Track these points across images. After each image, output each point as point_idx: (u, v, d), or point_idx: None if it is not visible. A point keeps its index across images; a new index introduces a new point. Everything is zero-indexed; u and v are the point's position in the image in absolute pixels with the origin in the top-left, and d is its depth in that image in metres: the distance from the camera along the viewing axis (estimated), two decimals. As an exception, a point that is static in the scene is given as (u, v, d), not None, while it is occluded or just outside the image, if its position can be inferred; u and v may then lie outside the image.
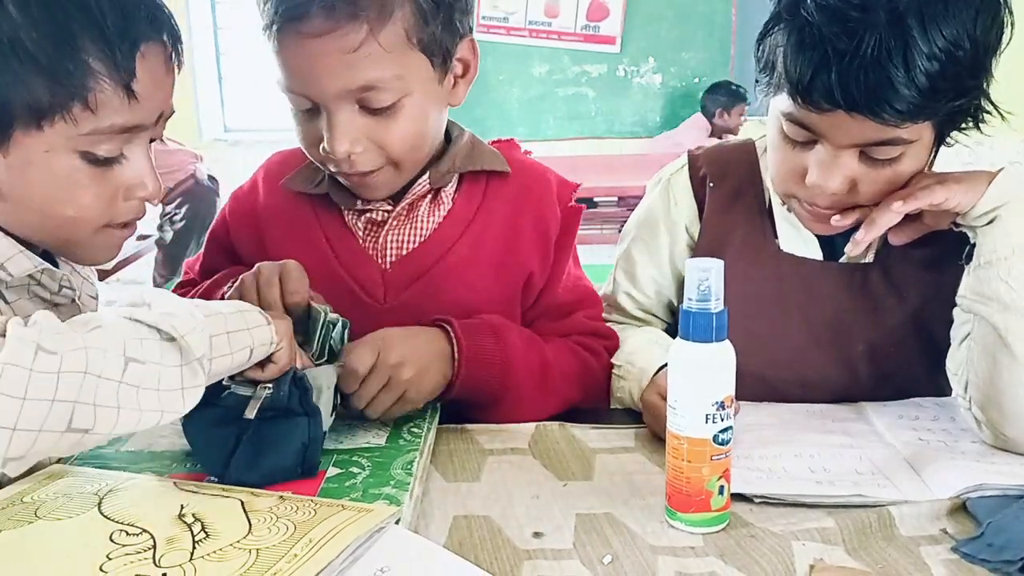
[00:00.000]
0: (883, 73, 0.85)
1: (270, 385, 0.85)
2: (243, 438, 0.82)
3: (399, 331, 0.97)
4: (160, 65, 0.83)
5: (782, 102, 0.95)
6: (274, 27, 0.93)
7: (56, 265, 0.89)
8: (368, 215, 1.08)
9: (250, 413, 0.83)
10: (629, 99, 5.05)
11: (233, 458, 0.81)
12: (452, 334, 0.99)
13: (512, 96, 4.82)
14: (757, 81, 1.00)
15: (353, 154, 0.96)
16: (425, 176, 1.06)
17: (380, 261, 1.07)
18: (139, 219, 0.89)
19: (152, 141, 0.87)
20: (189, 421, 0.84)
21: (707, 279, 0.75)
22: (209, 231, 1.19)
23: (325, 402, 0.89)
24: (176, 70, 0.86)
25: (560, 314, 1.13)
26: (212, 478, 0.83)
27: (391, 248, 1.07)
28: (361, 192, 1.05)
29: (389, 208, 1.07)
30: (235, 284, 0.95)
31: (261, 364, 0.84)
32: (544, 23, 4.88)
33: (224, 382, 0.84)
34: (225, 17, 5.33)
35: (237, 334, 0.78)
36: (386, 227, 1.07)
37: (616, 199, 4.19)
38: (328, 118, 0.95)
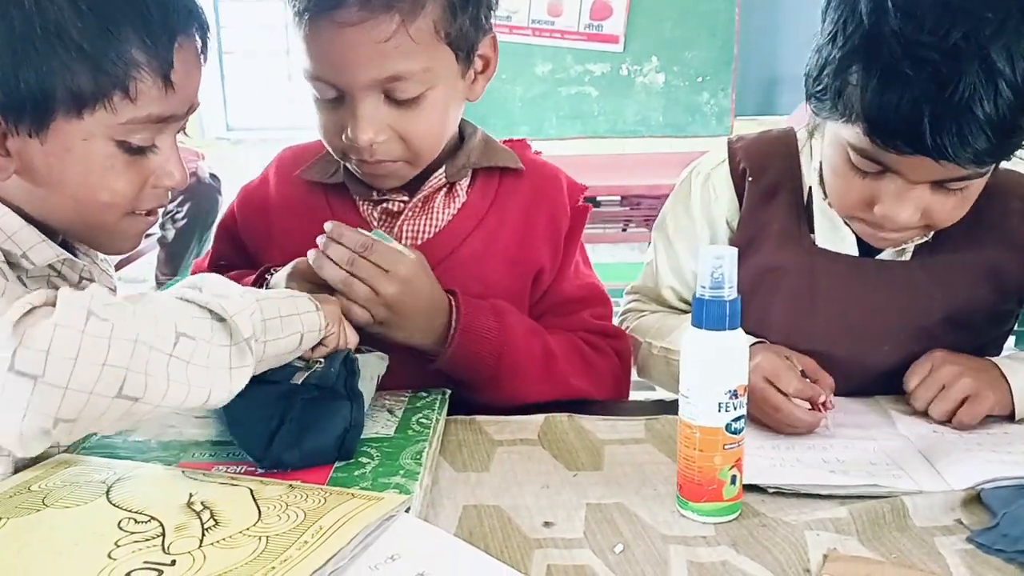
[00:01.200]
0: (974, 120, 0.82)
1: (322, 360, 0.86)
2: (287, 418, 0.82)
3: (424, 270, 0.98)
4: (193, 57, 0.85)
5: (849, 133, 0.91)
6: (306, 14, 0.93)
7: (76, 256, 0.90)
8: (384, 205, 1.08)
9: (297, 379, 0.84)
10: (632, 98, 5.03)
11: (276, 436, 0.81)
12: (453, 303, 1.00)
13: (515, 95, 4.81)
14: (810, 99, 0.95)
15: (375, 143, 0.97)
16: (441, 170, 1.07)
17: None
18: (162, 207, 0.90)
19: (178, 132, 0.89)
20: (232, 401, 0.84)
21: (720, 267, 0.75)
22: (217, 224, 1.20)
23: (368, 391, 0.89)
24: (204, 62, 0.87)
25: (566, 311, 1.13)
26: (242, 466, 0.84)
27: (406, 238, 1.08)
28: (374, 182, 1.06)
29: (405, 199, 1.08)
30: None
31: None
32: (547, 22, 4.86)
33: None
34: (228, 16, 5.32)
35: (289, 319, 0.80)
36: (401, 217, 1.08)
37: (619, 198, 4.18)
38: (353, 107, 0.96)
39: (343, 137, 0.98)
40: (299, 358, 0.87)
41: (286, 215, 1.12)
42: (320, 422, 0.83)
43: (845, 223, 1.06)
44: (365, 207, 1.10)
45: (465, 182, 1.10)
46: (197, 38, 0.85)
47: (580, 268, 1.16)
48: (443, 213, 1.09)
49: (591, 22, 4.87)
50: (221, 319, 0.73)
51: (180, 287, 0.77)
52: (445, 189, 1.09)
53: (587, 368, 1.09)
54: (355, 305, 0.94)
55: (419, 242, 1.07)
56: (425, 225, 1.08)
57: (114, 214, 0.86)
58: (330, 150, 1.04)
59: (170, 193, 0.90)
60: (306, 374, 0.84)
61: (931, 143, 0.84)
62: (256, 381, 0.83)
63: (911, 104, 0.83)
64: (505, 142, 1.16)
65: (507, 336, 1.02)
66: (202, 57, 0.87)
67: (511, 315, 1.04)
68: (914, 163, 0.88)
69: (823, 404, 0.95)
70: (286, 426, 0.82)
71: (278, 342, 0.79)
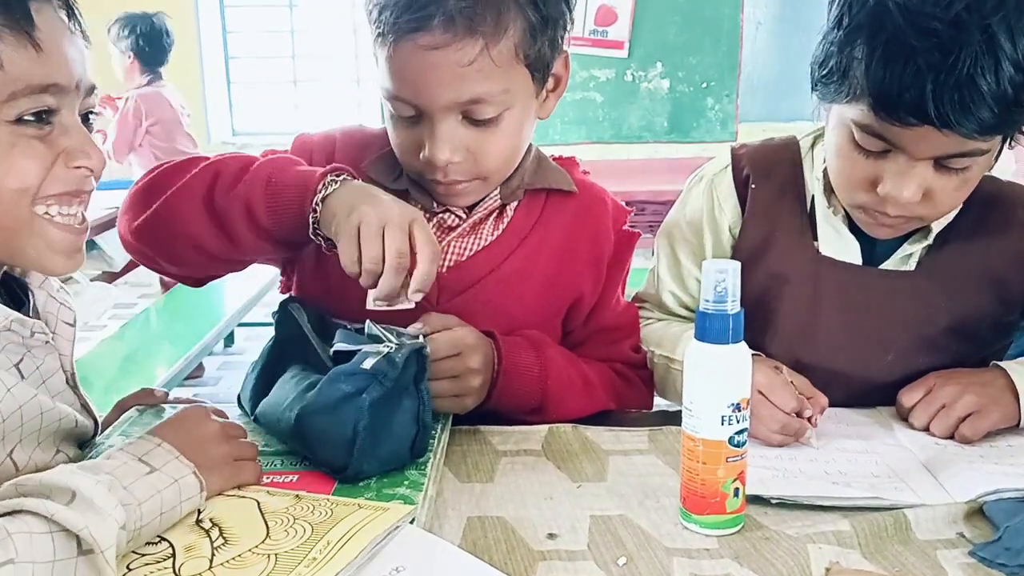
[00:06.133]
0: (976, 90, 0.84)
1: (393, 344, 0.86)
2: (360, 426, 0.82)
3: (481, 336, 0.99)
4: (57, 21, 0.80)
5: (855, 112, 0.93)
6: (390, 36, 0.94)
7: (21, 306, 0.86)
8: (440, 216, 1.08)
9: (367, 364, 0.84)
10: (637, 104, 5.04)
11: (356, 448, 0.82)
12: (494, 345, 1.00)
13: (520, 100, 4.82)
14: (815, 87, 0.97)
15: (452, 163, 0.98)
16: (496, 191, 1.07)
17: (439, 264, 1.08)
18: (81, 198, 0.83)
19: (90, 117, 0.84)
20: (304, 415, 0.85)
21: (723, 280, 0.75)
22: (295, 146, 1.13)
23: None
24: (80, 37, 0.83)
25: (608, 339, 1.14)
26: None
27: (452, 253, 1.08)
28: (447, 199, 1.06)
29: (463, 216, 1.08)
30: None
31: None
32: (552, 27, 4.88)
33: (336, 347, 0.88)
34: (234, 21, 5.34)
35: (169, 513, 0.73)
36: (453, 234, 1.08)
37: (623, 204, 4.19)
38: (432, 127, 0.97)
39: (420, 156, 0.99)
40: (369, 335, 0.87)
41: None
42: (391, 427, 0.84)
43: (848, 227, 1.06)
44: None
45: (515, 202, 1.11)
46: (58, 8, 0.81)
47: (619, 295, 1.17)
48: (491, 232, 1.09)
49: (596, 28, 4.88)
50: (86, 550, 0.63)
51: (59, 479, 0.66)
52: (497, 211, 1.09)
53: (617, 400, 1.10)
54: (447, 400, 0.96)
55: (464, 258, 1.08)
56: (472, 242, 1.09)
57: (25, 202, 0.79)
58: (404, 166, 1.04)
59: (93, 181, 0.83)
60: (375, 359, 0.84)
61: (934, 112, 0.85)
62: (315, 391, 0.85)
63: (914, 74, 0.85)
64: (555, 159, 1.16)
65: (548, 370, 1.02)
66: (76, 32, 0.82)
67: (549, 347, 1.05)
68: (918, 136, 0.89)
69: (809, 419, 0.95)
70: (361, 436, 0.82)
71: (149, 535, 0.71)
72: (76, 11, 0.83)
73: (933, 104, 0.85)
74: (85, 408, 0.90)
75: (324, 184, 0.91)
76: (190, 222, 0.96)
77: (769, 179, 1.13)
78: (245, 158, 0.99)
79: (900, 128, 0.89)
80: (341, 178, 0.92)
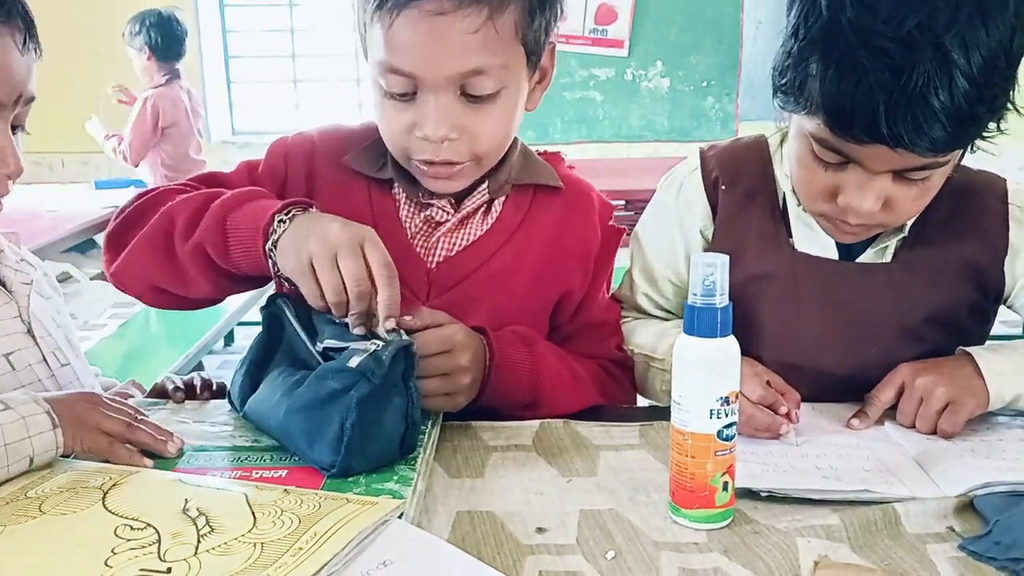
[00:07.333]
0: (928, 109, 0.83)
1: (379, 343, 0.85)
2: (348, 424, 0.82)
3: (472, 333, 0.98)
4: (9, 44, 0.85)
5: (813, 125, 0.92)
6: (391, 4, 0.93)
7: None
8: (428, 212, 1.08)
9: (353, 362, 0.83)
10: (637, 103, 5.04)
11: (344, 446, 0.82)
12: (485, 341, 1.00)
13: (520, 100, 4.82)
14: (775, 94, 0.97)
15: (448, 140, 0.97)
16: (484, 186, 1.08)
17: (427, 260, 1.08)
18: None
19: (16, 129, 0.90)
20: (292, 412, 0.85)
21: (712, 274, 0.75)
22: (270, 151, 1.13)
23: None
24: (33, 54, 0.88)
25: (595, 335, 1.15)
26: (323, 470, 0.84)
27: (441, 248, 1.08)
28: (434, 185, 1.04)
29: (451, 211, 1.08)
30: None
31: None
32: (552, 27, 4.88)
33: (325, 344, 0.87)
34: (234, 21, 5.35)
35: (16, 445, 0.78)
36: (442, 229, 1.08)
37: (624, 203, 4.18)
38: (428, 103, 0.96)
39: (413, 133, 0.98)
40: (359, 336, 0.87)
41: (325, 194, 1.08)
42: (380, 425, 0.84)
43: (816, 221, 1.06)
44: (405, 211, 1.09)
45: (503, 197, 1.11)
46: (17, 29, 0.86)
47: (605, 291, 1.18)
48: (479, 227, 1.10)
49: (596, 27, 4.88)
50: None
51: None
52: (484, 206, 1.10)
53: (606, 397, 1.11)
54: (438, 398, 0.95)
55: (453, 253, 1.08)
56: (461, 238, 1.09)
57: None
58: (392, 150, 1.03)
59: (10, 184, 0.90)
60: (362, 357, 0.84)
61: (887, 132, 0.85)
62: (303, 386, 0.85)
63: (867, 93, 0.85)
64: (541, 154, 1.16)
65: (540, 367, 1.03)
66: (30, 49, 0.87)
67: (539, 343, 1.05)
68: (873, 153, 0.89)
69: (787, 415, 0.95)
70: (349, 434, 0.82)
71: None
72: (34, 30, 0.88)
73: (886, 124, 0.84)
74: (44, 362, 0.99)
75: (273, 228, 0.92)
76: (155, 273, 1.01)
77: (739, 180, 1.12)
78: (200, 197, 1.00)
79: (855, 144, 0.89)
80: (290, 215, 0.93)
